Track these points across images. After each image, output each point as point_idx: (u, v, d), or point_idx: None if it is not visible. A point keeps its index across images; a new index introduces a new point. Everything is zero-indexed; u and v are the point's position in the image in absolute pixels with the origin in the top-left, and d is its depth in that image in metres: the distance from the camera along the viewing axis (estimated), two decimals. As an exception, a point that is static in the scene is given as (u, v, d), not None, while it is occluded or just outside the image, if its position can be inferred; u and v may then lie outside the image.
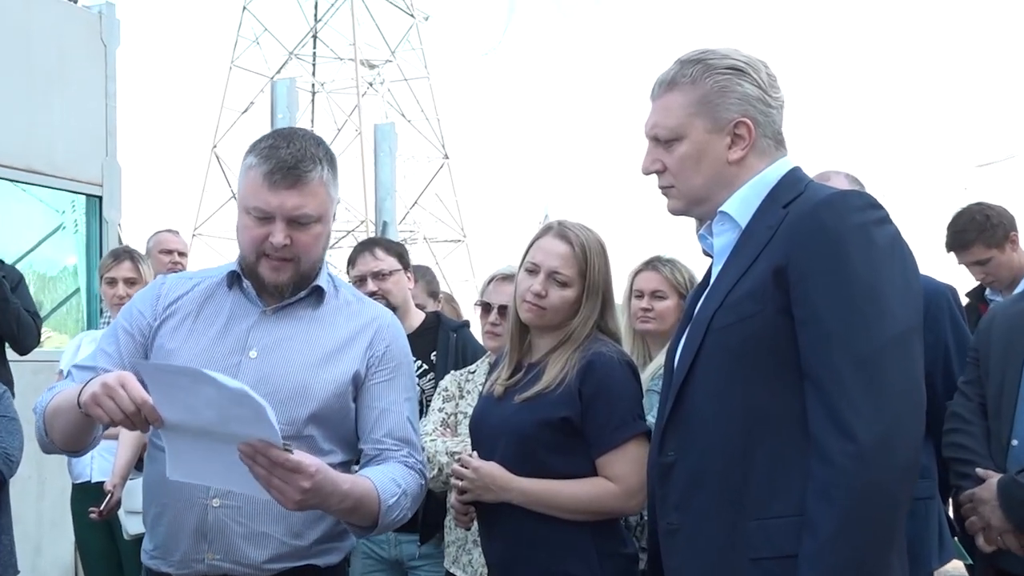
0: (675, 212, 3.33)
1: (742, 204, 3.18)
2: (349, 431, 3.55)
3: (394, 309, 5.62)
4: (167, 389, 2.96)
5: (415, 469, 3.57)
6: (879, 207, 3.00)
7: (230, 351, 3.43)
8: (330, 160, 3.47)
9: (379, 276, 5.79)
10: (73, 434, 3.34)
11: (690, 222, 3.42)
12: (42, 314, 10.33)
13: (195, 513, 3.35)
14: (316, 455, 3.21)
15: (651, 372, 5.16)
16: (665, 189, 3.30)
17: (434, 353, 5.79)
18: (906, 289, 2.92)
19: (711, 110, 3.18)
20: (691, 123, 3.19)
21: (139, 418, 2.99)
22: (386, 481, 3.39)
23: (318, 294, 3.56)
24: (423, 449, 4.76)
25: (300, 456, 3.00)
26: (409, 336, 5.64)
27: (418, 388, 5.55)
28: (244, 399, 2.83)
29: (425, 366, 5.74)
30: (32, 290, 9.49)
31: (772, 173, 3.19)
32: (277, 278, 3.43)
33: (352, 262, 5.98)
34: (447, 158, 60.43)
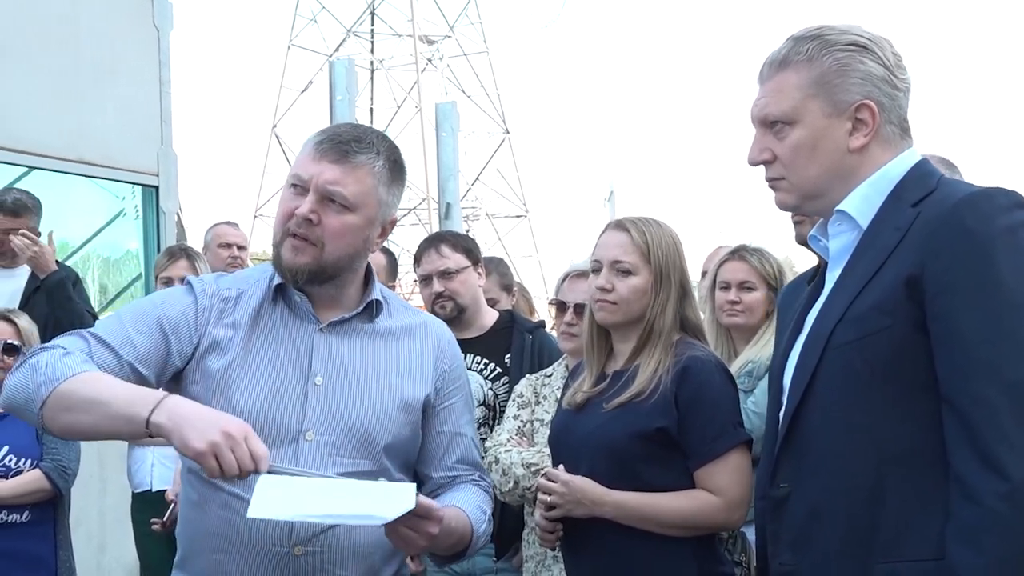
0: (785, 208, 2.99)
1: (863, 202, 2.83)
2: (414, 457, 3.34)
3: (463, 310, 5.39)
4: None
5: (488, 492, 3.43)
6: None
7: (294, 378, 3.13)
8: (393, 162, 3.21)
9: (446, 275, 5.46)
10: (97, 435, 3.04)
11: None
12: (107, 297, 10.36)
13: (271, 564, 3.07)
14: None
15: (736, 369, 4.94)
16: (774, 181, 2.94)
17: (508, 355, 5.46)
18: None
19: (830, 91, 2.82)
20: (807, 106, 2.83)
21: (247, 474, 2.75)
22: (475, 510, 3.26)
23: (371, 308, 3.28)
24: (498, 460, 4.49)
25: (427, 500, 2.91)
26: (482, 336, 5.53)
27: (491, 391, 5.29)
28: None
29: (499, 369, 5.44)
30: (97, 273, 9.29)
31: (896, 167, 2.84)
32: (294, 259, 3.11)
33: (417, 260, 5.66)
34: (508, 133, 60.62)
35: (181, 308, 3.19)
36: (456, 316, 5.43)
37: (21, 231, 6.80)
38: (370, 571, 3.14)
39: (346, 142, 3.13)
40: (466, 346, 5.40)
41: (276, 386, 3.11)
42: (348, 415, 3.12)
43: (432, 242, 5.66)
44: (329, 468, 3.03)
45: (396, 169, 3.22)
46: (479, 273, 5.61)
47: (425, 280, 5.52)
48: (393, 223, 3.28)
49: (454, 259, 5.48)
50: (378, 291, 3.30)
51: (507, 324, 5.59)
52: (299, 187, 3.12)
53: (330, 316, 3.21)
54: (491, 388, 5.36)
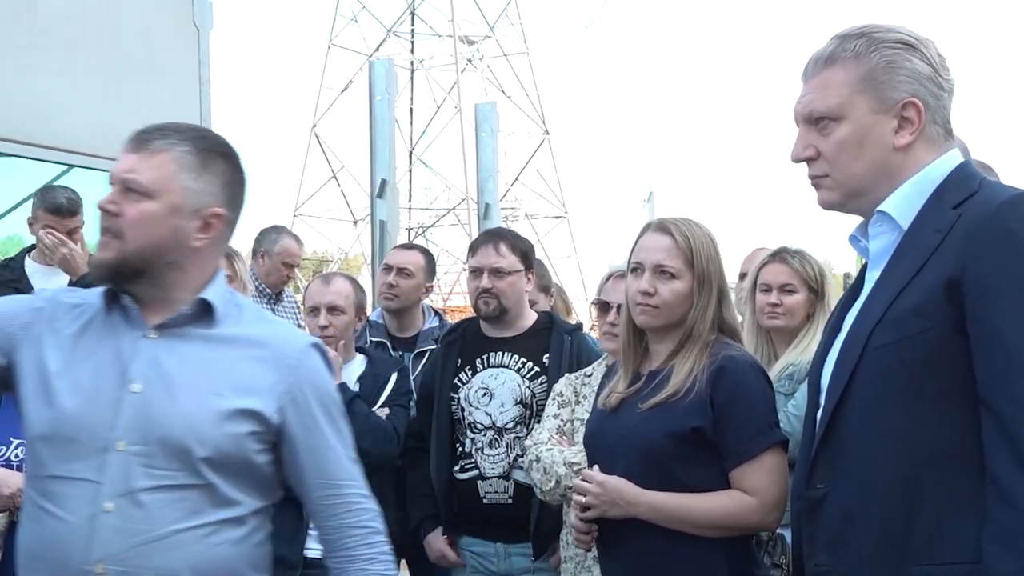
0: (828, 206, 2.97)
1: (904, 203, 2.82)
2: (262, 475, 3.12)
3: (505, 310, 5.41)
4: None
5: (370, 526, 3.25)
6: None
7: (111, 385, 2.98)
8: (203, 151, 3.09)
9: (496, 273, 5.44)
10: None
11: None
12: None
13: None
14: (222, 506, 2.99)
15: (777, 372, 4.94)
16: (817, 179, 2.94)
17: (546, 355, 5.44)
18: None
19: (877, 88, 2.82)
20: (853, 102, 2.83)
21: None
22: None
23: (208, 311, 3.10)
24: (539, 459, 4.47)
25: None
26: (521, 336, 5.52)
27: (528, 391, 5.36)
28: None
29: (537, 368, 5.42)
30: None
31: (938, 168, 2.83)
32: (99, 256, 3.02)
33: (473, 250, 5.66)
34: (547, 134, 60.65)
35: (12, 305, 3.19)
36: (497, 315, 5.45)
37: (46, 228, 6.74)
38: None
39: (147, 132, 3.07)
40: (505, 344, 5.46)
41: (92, 393, 2.97)
42: (163, 425, 2.95)
43: (492, 237, 5.66)
44: (141, 480, 2.90)
45: (207, 159, 3.09)
46: (529, 278, 5.60)
47: (475, 272, 5.51)
48: (219, 217, 3.09)
49: (509, 260, 5.47)
50: (217, 294, 3.13)
51: (546, 325, 5.57)
52: (112, 185, 3.06)
53: (159, 320, 3.07)
54: (528, 387, 5.35)
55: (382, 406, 5.39)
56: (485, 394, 5.41)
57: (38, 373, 3.02)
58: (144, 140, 3.04)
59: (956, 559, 2.59)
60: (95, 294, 3.13)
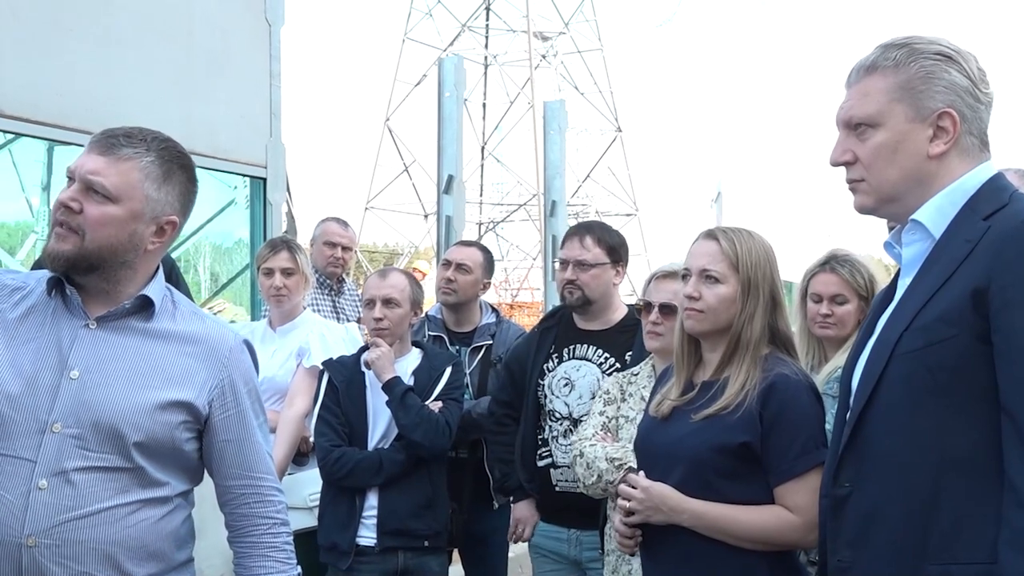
0: (863, 210, 3.04)
1: (936, 212, 2.88)
2: (189, 460, 3.33)
3: (590, 301, 5.52)
4: None
5: (277, 518, 3.48)
6: None
7: (51, 370, 3.13)
8: (166, 163, 3.26)
9: (580, 265, 5.52)
10: None
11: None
12: (218, 284, 10.49)
13: (6, 554, 3.03)
14: (149, 487, 3.17)
15: (825, 375, 4.96)
16: (854, 183, 3.01)
17: (629, 353, 5.48)
18: None
19: (914, 97, 2.89)
20: (891, 110, 2.91)
21: None
22: None
23: (147, 306, 3.28)
24: (582, 454, 4.54)
25: None
26: (606, 331, 5.61)
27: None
28: None
29: (618, 364, 5.50)
30: (208, 261, 9.35)
31: (972, 179, 2.88)
32: (57, 246, 3.13)
33: (562, 243, 5.76)
34: (620, 131, 60.52)
35: None
36: (581, 306, 5.55)
37: None
38: (115, 569, 3.11)
39: (116, 136, 3.20)
40: (590, 337, 5.55)
41: (33, 376, 3.10)
42: (97, 410, 3.09)
43: (580, 230, 5.72)
44: (74, 461, 3.05)
45: (170, 170, 3.27)
46: (617, 271, 5.64)
47: (563, 264, 5.61)
48: (173, 225, 3.30)
49: (593, 253, 5.54)
50: (156, 291, 3.30)
51: (634, 322, 5.51)
52: (71, 179, 3.16)
53: (100, 312, 3.23)
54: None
55: (435, 400, 5.47)
56: (566, 384, 5.51)
57: None
58: (112, 145, 3.19)
59: (973, 560, 2.64)
60: (35, 278, 3.30)
